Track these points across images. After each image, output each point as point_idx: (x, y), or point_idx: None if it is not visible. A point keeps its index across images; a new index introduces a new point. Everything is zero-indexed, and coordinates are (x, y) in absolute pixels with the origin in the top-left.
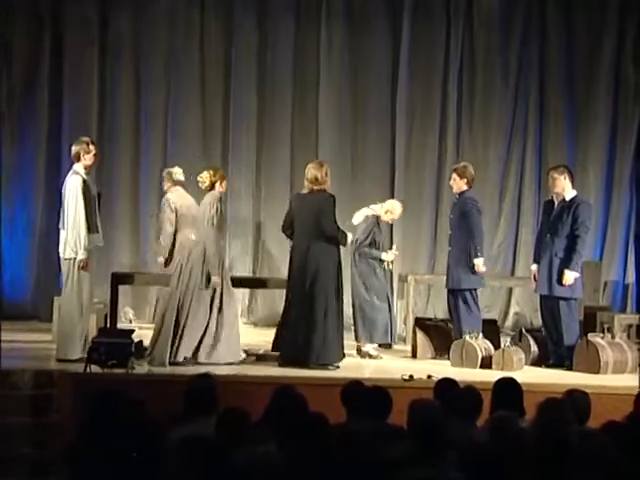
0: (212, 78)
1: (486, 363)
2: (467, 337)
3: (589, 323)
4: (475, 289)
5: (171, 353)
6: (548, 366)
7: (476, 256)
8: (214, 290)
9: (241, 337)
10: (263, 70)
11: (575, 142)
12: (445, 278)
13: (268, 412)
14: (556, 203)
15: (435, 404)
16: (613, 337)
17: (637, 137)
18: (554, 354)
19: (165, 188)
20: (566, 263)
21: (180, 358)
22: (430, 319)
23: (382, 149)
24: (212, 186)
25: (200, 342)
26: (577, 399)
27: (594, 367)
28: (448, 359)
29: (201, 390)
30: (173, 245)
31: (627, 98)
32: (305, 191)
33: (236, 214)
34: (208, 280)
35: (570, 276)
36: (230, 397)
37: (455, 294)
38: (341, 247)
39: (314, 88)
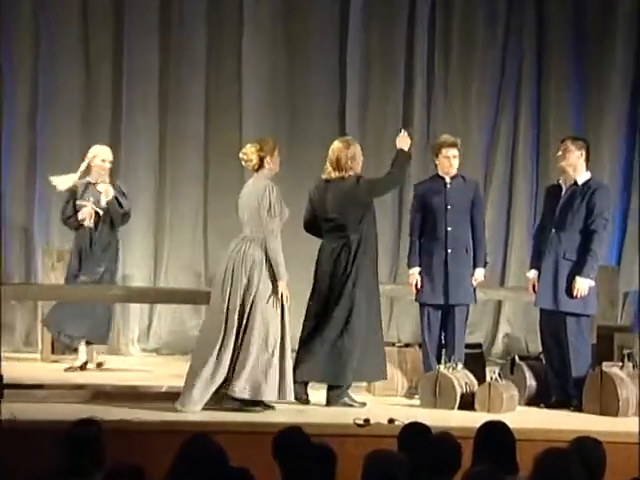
0: (98, 27)
1: (467, 402)
2: (441, 367)
3: (604, 348)
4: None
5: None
6: (549, 406)
7: (482, 265)
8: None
9: (138, 368)
10: (167, 13)
11: (584, 109)
12: (426, 289)
13: (174, 469)
14: (564, 188)
15: (399, 457)
16: (636, 367)
17: None
18: (558, 389)
19: None
20: (578, 267)
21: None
22: (393, 343)
23: (327, 121)
24: (261, 163)
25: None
26: (587, 449)
27: (610, 407)
28: (417, 397)
29: (82, 441)
30: None
31: None
32: (324, 176)
33: (133, 204)
34: (274, 285)
35: (584, 284)
36: (123, 450)
37: (453, 310)
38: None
39: (236, 37)
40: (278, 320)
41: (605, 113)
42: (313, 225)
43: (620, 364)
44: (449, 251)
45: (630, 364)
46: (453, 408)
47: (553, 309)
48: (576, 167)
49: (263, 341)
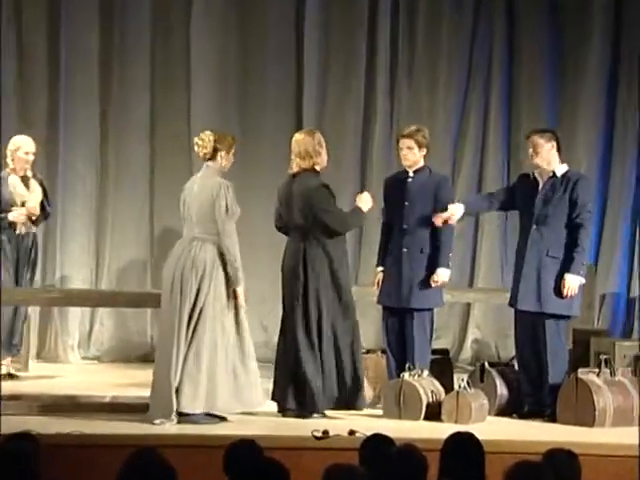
0: (31, 4)
1: (433, 412)
2: (406, 375)
3: (580, 353)
4: (432, 308)
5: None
6: (521, 416)
7: (446, 265)
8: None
9: (78, 377)
10: None
11: (558, 100)
12: (384, 290)
13: None
14: (541, 181)
15: (359, 472)
16: (613, 374)
17: None
18: (531, 398)
19: None
20: (566, 264)
21: (191, 409)
22: None
23: (283, 111)
24: (213, 154)
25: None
26: (561, 463)
27: (586, 417)
28: (379, 407)
29: (16, 457)
30: None
31: (631, 31)
32: (292, 171)
33: (72, 201)
34: (233, 292)
35: (574, 282)
36: (61, 466)
37: (411, 315)
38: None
39: (184, 18)
40: (233, 327)
41: (580, 104)
42: (282, 223)
43: (597, 370)
44: (404, 251)
45: (607, 371)
46: (418, 419)
47: (536, 311)
48: (550, 161)
49: (215, 350)
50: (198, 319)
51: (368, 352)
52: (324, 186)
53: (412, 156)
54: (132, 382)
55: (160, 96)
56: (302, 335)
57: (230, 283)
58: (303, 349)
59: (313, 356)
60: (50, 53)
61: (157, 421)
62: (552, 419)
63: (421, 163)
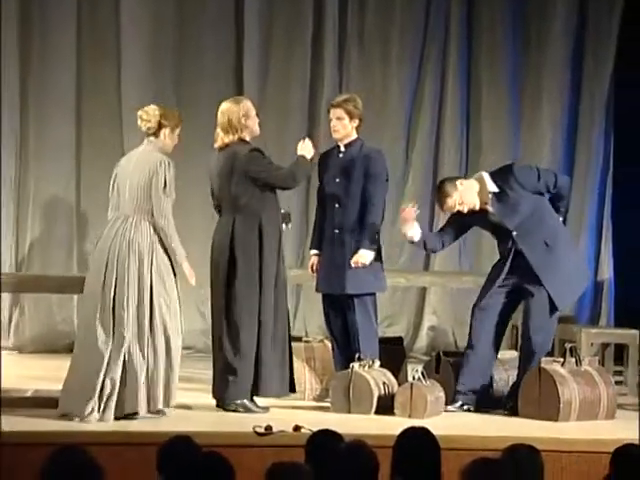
0: None
1: (385, 406)
2: (355, 366)
3: None
4: (374, 293)
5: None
6: (479, 408)
7: (368, 246)
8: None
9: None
10: None
11: (521, 66)
12: (320, 276)
13: None
14: (486, 207)
15: (305, 470)
16: (579, 363)
17: (616, 51)
18: (488, 388)
19: None
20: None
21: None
22: (300, 338)
23: (221, 82)
24: (157, 130)
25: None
26: (523, 459)
27: (550, 410)
28: (327, 400)
29: None
30: None
31: None
32: (216, 145)
33: None
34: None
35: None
36: None
37: (351, 302)
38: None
39: None
40: (178, 317)
41: (544, 75)
42: (216, 201)
43: (561, 360)
44: (336, 232)
45: (573, 360)
46: (369, 413)
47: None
48: (475, 194)
49: (165, 343)
50: (151, 311)
51: (313, 341)
52: (254, 150)
53: (342, 128)
54: (56, 375)
55: (87, 64)
56: (226, 318)
57: (173, 263)
58: (227, 334)
59: (237, 341)
60: None
61: (76, 419)
62: (513, 412)
63: (353, 136)
